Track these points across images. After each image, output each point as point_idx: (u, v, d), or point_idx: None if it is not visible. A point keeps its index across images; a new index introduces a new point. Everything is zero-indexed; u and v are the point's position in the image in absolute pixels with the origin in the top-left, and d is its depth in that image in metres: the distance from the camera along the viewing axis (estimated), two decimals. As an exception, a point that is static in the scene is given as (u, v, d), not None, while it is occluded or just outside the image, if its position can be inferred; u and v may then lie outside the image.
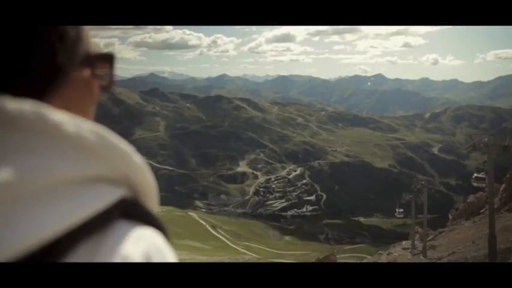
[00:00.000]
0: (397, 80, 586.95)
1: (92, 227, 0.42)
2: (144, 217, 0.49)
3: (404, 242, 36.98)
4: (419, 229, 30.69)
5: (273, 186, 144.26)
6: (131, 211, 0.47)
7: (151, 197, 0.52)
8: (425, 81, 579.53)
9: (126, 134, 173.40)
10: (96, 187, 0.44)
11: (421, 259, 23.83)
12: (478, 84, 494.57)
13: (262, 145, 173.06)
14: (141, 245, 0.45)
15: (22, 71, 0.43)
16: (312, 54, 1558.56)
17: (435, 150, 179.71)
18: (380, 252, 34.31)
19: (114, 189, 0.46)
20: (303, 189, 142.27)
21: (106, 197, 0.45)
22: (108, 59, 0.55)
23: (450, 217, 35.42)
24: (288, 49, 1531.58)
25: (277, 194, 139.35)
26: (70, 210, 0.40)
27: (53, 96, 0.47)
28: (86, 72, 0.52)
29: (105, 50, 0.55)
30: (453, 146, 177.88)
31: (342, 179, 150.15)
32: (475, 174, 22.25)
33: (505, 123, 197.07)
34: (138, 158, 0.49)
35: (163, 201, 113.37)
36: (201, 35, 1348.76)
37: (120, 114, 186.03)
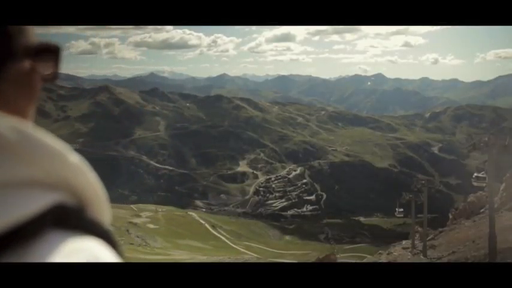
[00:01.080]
0: (397, 79, 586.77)
1: (15, 238, 0.36)
2: (86, 226, 0.42)
3: (404, 242, 36.94)
4: (420, 229, 30.69)
5: (273, 186, 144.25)
6: (70, 219, 0.41)
7: (97, 202, 0.45)
8: (426, 81, 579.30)
9: (126, 134, 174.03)
10: (18, 192, 0.38)
11: (421, 259, 23.82)
12: (478, 84, 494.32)
13: (262, 145, 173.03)
14: (78, 257, 0.39)
15: None
16: (312, 54, 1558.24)
17: (435, 149, 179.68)
18: (380, 251, 34.27)
19: (46, 194, 0.40)
20: (303, 189, 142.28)
21: (33, 204, 0.38)
22: (52, 50, 0.50)
23: (450, 216, 35.41)
24: (288, 49, 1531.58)
25: (277, 194, 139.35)
26: None
27: None
28: (26, 65, 0.47)
29: (51, 42, 0.50)
30: (453, 146, 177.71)
31: (342, 178, 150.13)
32: (475, 174, 22.28)
33: (505, 123, 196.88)
34: (75, 159, 0.43)
35: (164, 201, 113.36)
36: (201, 34, 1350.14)
37: (120, 114, 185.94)
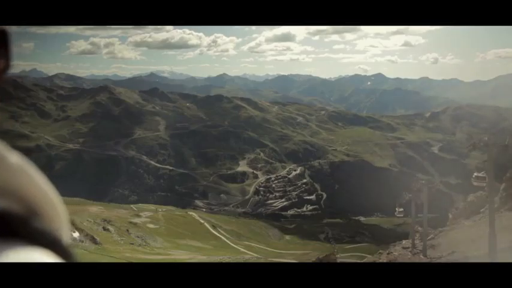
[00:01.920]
0: (397, 79, 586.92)
1: None
2: (33, 235, 0.37)
3: (404, 241, 36.83)
4: (420, 228, 30.67)
5: (273, 185, 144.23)
6: (14, 229, 0.36)
7: (48, 208, 0.40)
8: (426, 81, 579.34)
9: (126, 134, 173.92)
10: None
11: (421, 258, 23.81)
12: (478, 83, 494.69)
13: (262, 144, 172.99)
14: None
15: None
16: (312, 54, 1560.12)
17: (435, 149, 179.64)
18: (380, 251, 34.24)
19: None
20: (303, 189, 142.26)
21: None
22: None
23: (450, 216, 35.38)
24: (288, 48, 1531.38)
25: (277, 194, 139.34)
26: None
27: None
28: None
29: None
30: (453, 145, 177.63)
31: (342, 178, 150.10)
32: (475, 174, 22.18)
33: (505, 123, 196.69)
34: (16, 159, 0.38)
35: (164, 201, 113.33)
36: (201, 34, 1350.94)
37: (120, 114, 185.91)
